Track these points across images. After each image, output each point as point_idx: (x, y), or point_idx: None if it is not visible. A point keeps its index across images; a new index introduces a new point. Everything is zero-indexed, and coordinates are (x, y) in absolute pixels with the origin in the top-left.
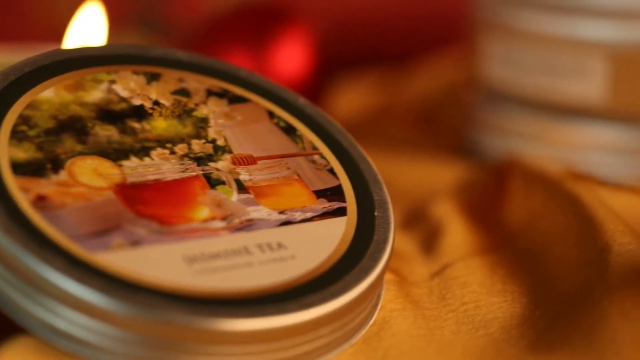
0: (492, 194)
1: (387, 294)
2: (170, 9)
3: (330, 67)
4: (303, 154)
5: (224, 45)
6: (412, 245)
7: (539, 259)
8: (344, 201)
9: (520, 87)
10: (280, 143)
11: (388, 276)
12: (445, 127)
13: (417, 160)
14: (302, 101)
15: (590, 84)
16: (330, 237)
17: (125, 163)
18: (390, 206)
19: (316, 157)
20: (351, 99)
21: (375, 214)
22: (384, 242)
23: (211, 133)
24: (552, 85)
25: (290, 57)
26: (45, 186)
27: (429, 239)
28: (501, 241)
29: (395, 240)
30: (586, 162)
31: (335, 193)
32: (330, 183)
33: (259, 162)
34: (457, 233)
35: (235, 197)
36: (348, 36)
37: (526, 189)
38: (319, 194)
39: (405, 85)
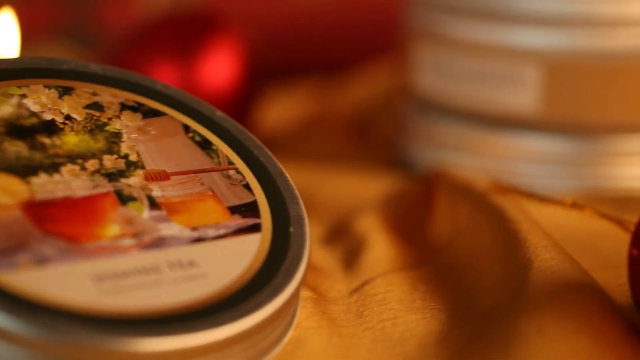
0: (419, 207)
1: (303, 311)
2: (101, 19)
3: (262, 77)
4: (218, 169)
5: (151, 55)
6: (334, 260)
7: (462, 275)
8: (259, 217)
9: (452, 96)
10: (195, 158)
11: (305, 293)
12: (378, 138)
13: (347, 172)
14: (218, 115)
15: (523, 93)
16: (243, 254)
17: (34, 180)
18: (306, 222)
19: (232, 172)
20: (283, 109)
21: (291, 230)
22: (299, 258)
23: (124, 148)
24: (485, 94)
25: (219, 67)
26: None
27: (351, 254)
28: (425, 256)
29: (316, 256)
30: (519, 173)
31: (250, 209)
32: (245, 199)
33: (173, 177)
34: (379, 248)
35: (146, 214)
36: (281, 45)
37: (452, 202)
38: (234, 210)
39: (338, 95)
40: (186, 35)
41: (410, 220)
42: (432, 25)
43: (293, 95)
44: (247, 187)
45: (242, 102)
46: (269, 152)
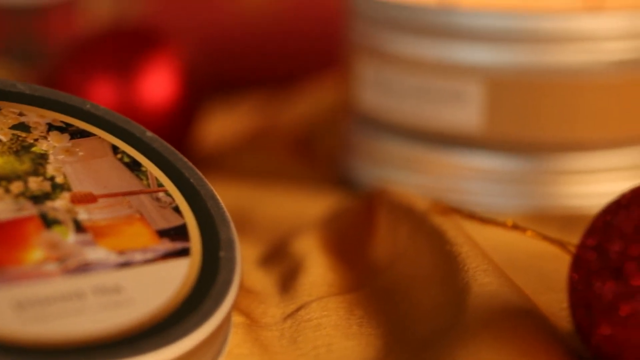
0: (359, 227)
1: (235, 337)
2: (43, 35)
3: (204, 92)
4: (147, 192)
5: (88, 72)
6: (269, 283)
7: (399, 299)
8: (188, 241)
9: (394, 113)
10: (124, 180)
11: (237, 318)
12: (321, 155)
13: (288, 190)
14: (149, 135)
15: (466, 111)
16: (172, 279)
17: None
18: (238, 245)
19: (161, 194)
20: (225, 124)
21: (221, 254)
22: (229, 283)
23: (50, 170)
24: (428, 111)
25: (159, 82)
26: None
27: (288, 276)
28: (363, 279)
29: (251, 279)
30: (463, 191)
31: (179, 233)
32: (175, 222)
33: (100, 200)
34: (317, 270)
35: (71, 237)
36: (224, 59)
37: (392, 223)
38: (162, 233)
39: (283, 110)
40: (124, 51)
41: (350, 241)
42: (374, 40)
43: (236, 111)
44: (176, 210)
45: (182, 118)
46: (200, 174)
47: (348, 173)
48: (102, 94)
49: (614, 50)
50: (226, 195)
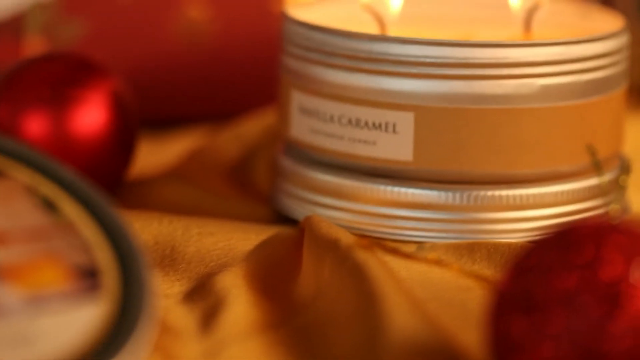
0: (287, 262)
1: None
2: None
3: (139, 124)
4: (61, 229)
5: (19, 102)
6: (190, 321)
7: (320, 338)
8: (102, 280)
9: (323, 143)
10: (36, 217)
11: (155, 358)
12: (254, 187)
13: (219, 223)
14: (65, 171)
15: (396, 142)
16: (84, 320)
17: None
18: (154, 283)
19: (76, 232)
20: (159, 156)
21: (136, 293)
22: (144, 322)
23: None
24: (356, 142)
25: (93, 115)
26: None
27: (210, 313)
28: (286, 317)
29: (172, 316)
30: (393, 224)
31: (93, 272)
32: (88, 261)
33: (10, 238)
34: (240, 307)
35: None
36: (161, 89)
37: (317, 258)
38: (75, 272)
39: (222, 143)
40: (58, 81)
41: (276, 276)
42: (302, 67)
43: (171, 143)
44: (91, 247)
45: (117, 151)
46: (118, 211)
47: (280, 204)
48: (33, 126)
49: (544, 77)
50: (152, 229)
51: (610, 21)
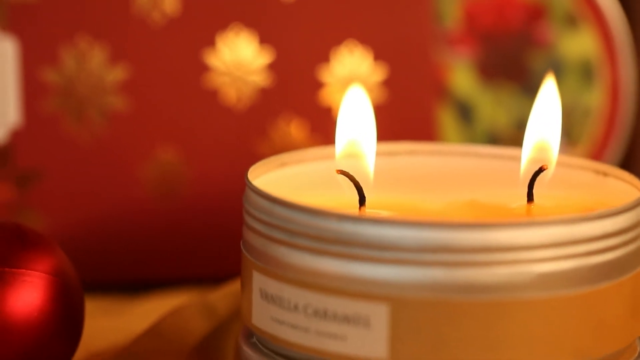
0: None
1: None
2: None
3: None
4: None
5: None
6: None
7: None
8: None
9: (288, 338)
10: None
11: None
12: None
13: None
14: None
15: (369, 336)
16: None
17: None
18: None
19: None
20: (124, 329)
21: None
22: None
23: None
24: (324, 335)
25: (30, 297)
26: None
27: None
28: None
29: None
30: None
31: None
32: None
33: None
34: None
35: None
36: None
37: None
38: None
39: (188, 315)
40: None
41: None
42: (265, 247)
43: (137, 310)
44: None
45: (57, 335)
46: None
47: None
48: None
49: (542, 262)
50: None
51: (625, 189)
